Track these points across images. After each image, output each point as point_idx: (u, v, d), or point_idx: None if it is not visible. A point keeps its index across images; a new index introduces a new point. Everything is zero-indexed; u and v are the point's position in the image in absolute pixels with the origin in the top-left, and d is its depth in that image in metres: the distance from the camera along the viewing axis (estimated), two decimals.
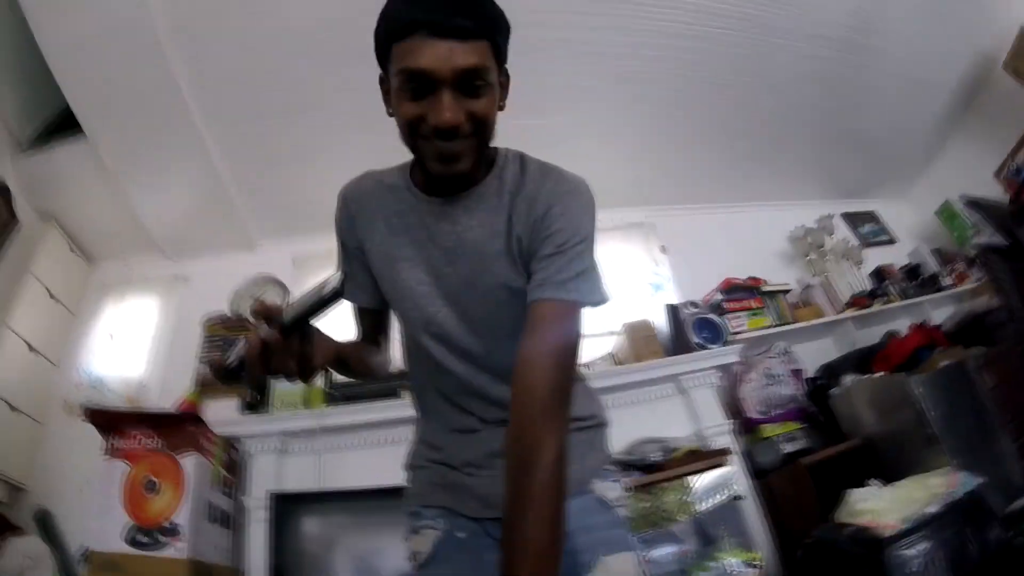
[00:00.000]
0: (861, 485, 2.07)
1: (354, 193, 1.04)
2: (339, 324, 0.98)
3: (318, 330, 0.85)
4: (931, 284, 3.55)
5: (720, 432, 2.68)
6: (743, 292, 3.35)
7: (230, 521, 2.47)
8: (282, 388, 2.72)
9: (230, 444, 2.58)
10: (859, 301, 3.41)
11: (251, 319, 0.88)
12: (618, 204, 3.50)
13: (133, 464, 2.25)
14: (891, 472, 2.17)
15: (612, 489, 1.03)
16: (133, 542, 2.13)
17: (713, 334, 2.97)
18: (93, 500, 2.27)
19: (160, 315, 3.34)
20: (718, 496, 2.50)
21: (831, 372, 2.95)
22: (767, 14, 2.93)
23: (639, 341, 2.93)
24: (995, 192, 3.44)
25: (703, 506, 2.48)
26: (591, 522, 0.96)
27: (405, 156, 0.97)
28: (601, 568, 0.91)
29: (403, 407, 1.16)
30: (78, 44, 2.54)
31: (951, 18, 3.19)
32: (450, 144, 0.84)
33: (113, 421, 2.35)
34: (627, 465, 2.48)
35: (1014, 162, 3.44)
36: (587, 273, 0.89)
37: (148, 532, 2.15)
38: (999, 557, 1.82)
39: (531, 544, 0.70)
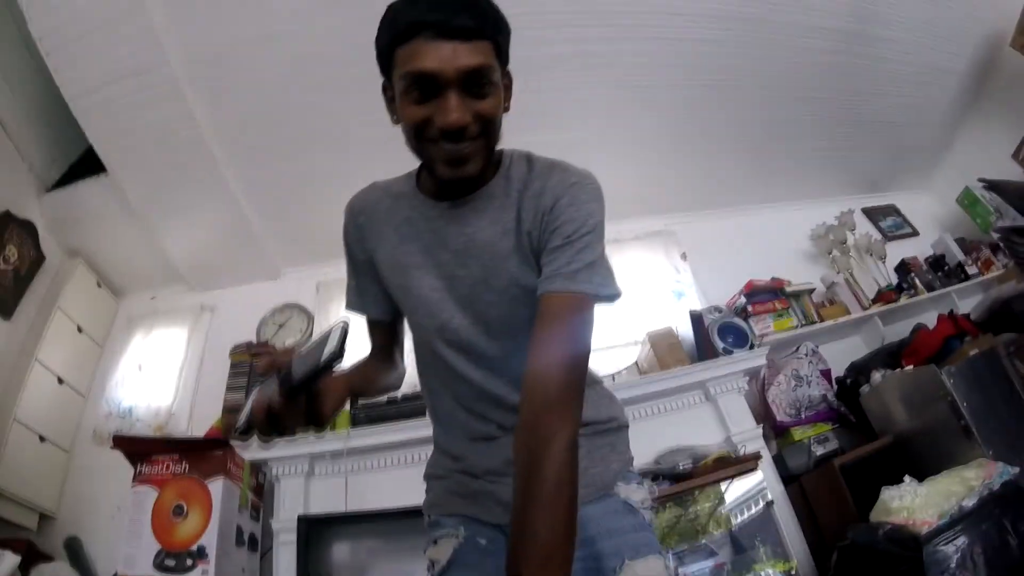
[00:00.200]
0: (896, 483, 2.01)
1: (362, 204, 1.04)
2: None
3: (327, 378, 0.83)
4: (957, 274, 3.46)
5: (750, 437, 2.62)
6: (767, 294, 3.29)
7: (258, 545, 2.48)
8: None
9: (258, 468, 2.60)
10: (886, 296, 3.34)
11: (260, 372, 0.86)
12: (637, 213, 3.51)
13: (161, 490, 2.28)
14: (926, 468, 2.11)
15: (637, 491, 1.01)
16: (161, 566, 2.15)
17: (738, 338, 2.92)
18: (123, 526, 2.30)
19: (187, 345, 3.38)
20: (752, 506, 2.45)
21: (860, 370, 2.88)
22: (769, 13, 2.92)
23: (663, 349, 2.89)
24: (1016, 174, 3.37)
25: (737, 519, 2.43)
26: (616, 526, 0.94)
27: None
28: (628, 572, 0.88)
29: (429, 426, 1.15)
30: (97, 87, 2.60)
31: (954, 0, 3.16)
32: (458, 146, 0.83)
33: (141, 449, 2.40)
34: (656, 475, 2.44)
35: None
36: (596, 264, 0.87)
37: (175, 555, 2.17)
38: None
39: (540, 543, 0.66)
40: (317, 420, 0.82)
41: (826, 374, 2.92)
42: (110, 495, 2.70)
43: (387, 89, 0.89)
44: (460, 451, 1.05)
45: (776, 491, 2.49)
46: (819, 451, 2.63)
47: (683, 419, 2.70)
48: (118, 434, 2.56)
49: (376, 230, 1.01)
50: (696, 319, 3.05)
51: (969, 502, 1.79)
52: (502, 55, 0.86)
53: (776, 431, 2.76)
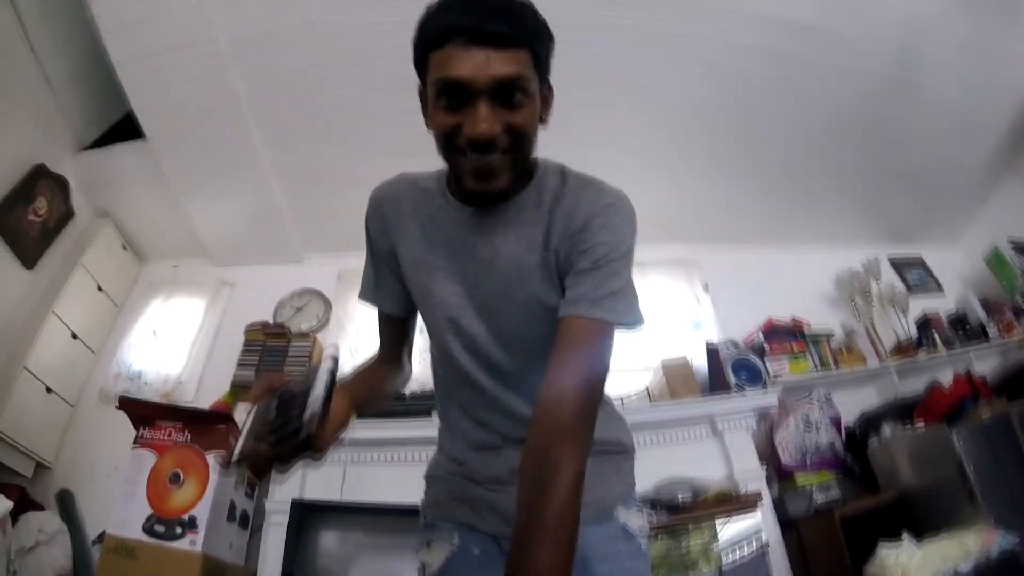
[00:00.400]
0: (894, 538, 1.99)
1: (387, 195, 1.01)
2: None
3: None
4: (977, 334, 3.39)
5: (753, 477, 2.60)
6: (785, 334, 3.27)
7: (249, 522, 2.49)
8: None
9: None
10: (904, 349, 3.30)
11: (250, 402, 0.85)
12: (661, 239, 3.47)
13: (160, 455, 2.29)
14: (925, 526, 2.10)
15: (636, 518, 1.00)
16: (150, 531, 2.15)
17: (752, 376, 2.89)
18: (117, 487, 2.32)
19: (204, 316, 3.41)
20: (745, 548, 2.42)
21: (871, 422, 2.85)
22: (812, 50, 2.89)
23: (676, 379, 2.87)
24: None
25: (729, 558, 2.40)
26: (612, 551, 0.93)
27: None
28: None
29: (432, 427, 1.14)
30: (144, 55, 2.65)
31: (999, 56, 3.12)
32: (486, 158, 0.80)
33: (146, 413, 2.40)
34: (655, 504, 2.42)
35: None
36: (623, 292, 0.84)
37: (166, 522, 2.17)
38: None
39: (543, 568, 0.66)
40: (315, 449, 0.80)
41: (836, 421, 2.88)
42: (108, 455, 2.72)
43: (422, 93, 0.87)
44: (463, 458, 1.04)
45: (773, 535, 2.46)
46: (820, 499, 2.60)
47: (688, 451, 2.68)
48: (125, 396, 2.57)
49: (400, 223, 0.99)
50: (712, 351, 3.03)
51: (965, 567, 1.78)
52: (541, 65, 0.82)
53: (780, 474, 2.72)
